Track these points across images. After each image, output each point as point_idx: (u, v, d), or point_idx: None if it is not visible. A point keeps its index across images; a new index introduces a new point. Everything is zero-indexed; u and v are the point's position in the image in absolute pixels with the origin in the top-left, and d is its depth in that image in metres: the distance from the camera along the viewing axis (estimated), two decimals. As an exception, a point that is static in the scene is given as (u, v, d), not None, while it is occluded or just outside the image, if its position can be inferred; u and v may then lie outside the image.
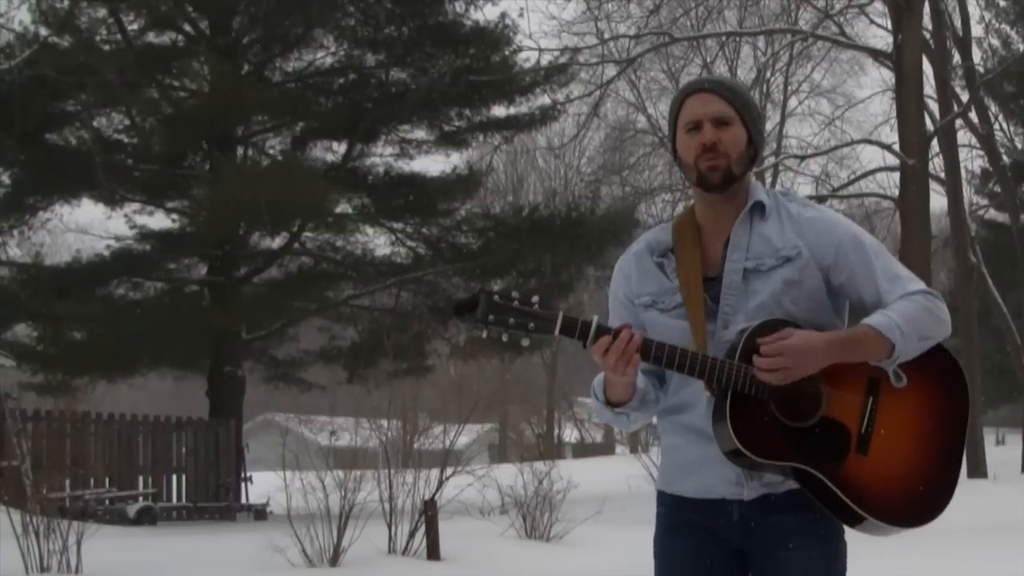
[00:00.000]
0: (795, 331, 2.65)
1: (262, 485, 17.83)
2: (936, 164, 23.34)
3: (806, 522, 2.74)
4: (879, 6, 22.70)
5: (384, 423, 12.17)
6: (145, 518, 16.71)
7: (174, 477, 19.59)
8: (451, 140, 22.95)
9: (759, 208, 2.82)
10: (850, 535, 2.82)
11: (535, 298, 2.61)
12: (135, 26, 21.01)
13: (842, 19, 23.67)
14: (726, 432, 2.66)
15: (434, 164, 28.97)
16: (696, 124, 2.79)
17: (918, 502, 2.74)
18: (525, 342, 2.65)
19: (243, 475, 20.23)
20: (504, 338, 2.62)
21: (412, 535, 10.62)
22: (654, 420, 2.93)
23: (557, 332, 2.61)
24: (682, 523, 2.86)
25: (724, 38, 27.06)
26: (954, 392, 2.80)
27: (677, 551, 2.87)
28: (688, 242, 2.83)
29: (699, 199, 2.87)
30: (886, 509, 2.71)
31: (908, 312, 2.70)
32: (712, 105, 2.79)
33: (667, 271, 2.84)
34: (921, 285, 2.77)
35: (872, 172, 23.89)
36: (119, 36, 20.60)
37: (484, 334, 2.63)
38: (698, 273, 2.78)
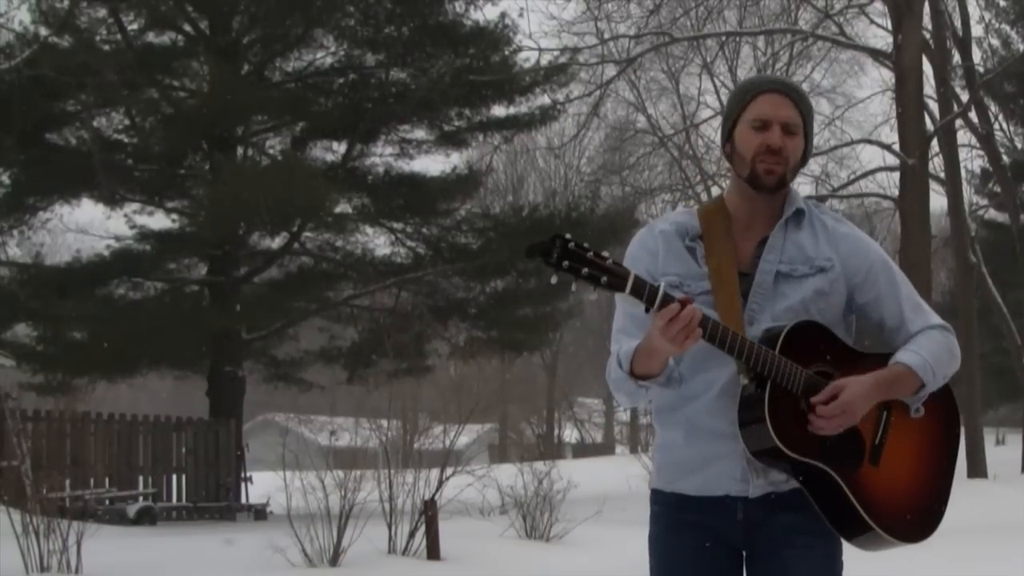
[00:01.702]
0: (844, 385, 2.69)
1: (262, 485, 17.82)
2: (936, 164, 23.34)
3: (808, 521, 2.75)
4: (879, 6, 22.71)
5: (384, 423, 12.19)
6: (145, 518, 16.69)
7: (174, 477, 19.56)
8: (451, 140, 22.94)
9: (797, 216, 2.86)
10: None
11: (606, 253, 2.58)
12: (135, 26, 21.01)
13: (842, 19, 23.67)
14: (764, 425, 2.66)
15: (434, 164, 28.83)
16: (765, 124, 2.81)
17: (917, 520, 2.82)
18: (593, 295, 2.63)
19: (243, 475, 20.20)
20: (572, 287, 2.61)
21: (412, 535, 10.62)
22: (648, 419, 2.94)
23: (628, 291, 2.58)
24: (682, 522, 2.84)
25: (724, 38, 27.01)
26: (951, 419, 2.92)
27: (676, 551, 2.86)
28: (720, 233, 2.84)
29: (738, 193, 2.88)
30: (890, 522, 2.75)
31: (936, 352, 2.80)
32: (785, 110, 2.82)
33: (697, 256, 2.84)
34: (939, 319, 2.88)
35: (872, 172, 23.94)
36: (119, 36, 20.60)
37: (554, 279, 2.59)
38: (732, 265, 2.80)
